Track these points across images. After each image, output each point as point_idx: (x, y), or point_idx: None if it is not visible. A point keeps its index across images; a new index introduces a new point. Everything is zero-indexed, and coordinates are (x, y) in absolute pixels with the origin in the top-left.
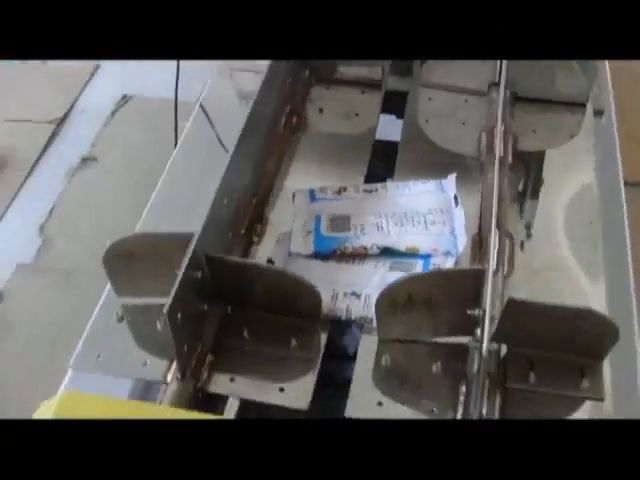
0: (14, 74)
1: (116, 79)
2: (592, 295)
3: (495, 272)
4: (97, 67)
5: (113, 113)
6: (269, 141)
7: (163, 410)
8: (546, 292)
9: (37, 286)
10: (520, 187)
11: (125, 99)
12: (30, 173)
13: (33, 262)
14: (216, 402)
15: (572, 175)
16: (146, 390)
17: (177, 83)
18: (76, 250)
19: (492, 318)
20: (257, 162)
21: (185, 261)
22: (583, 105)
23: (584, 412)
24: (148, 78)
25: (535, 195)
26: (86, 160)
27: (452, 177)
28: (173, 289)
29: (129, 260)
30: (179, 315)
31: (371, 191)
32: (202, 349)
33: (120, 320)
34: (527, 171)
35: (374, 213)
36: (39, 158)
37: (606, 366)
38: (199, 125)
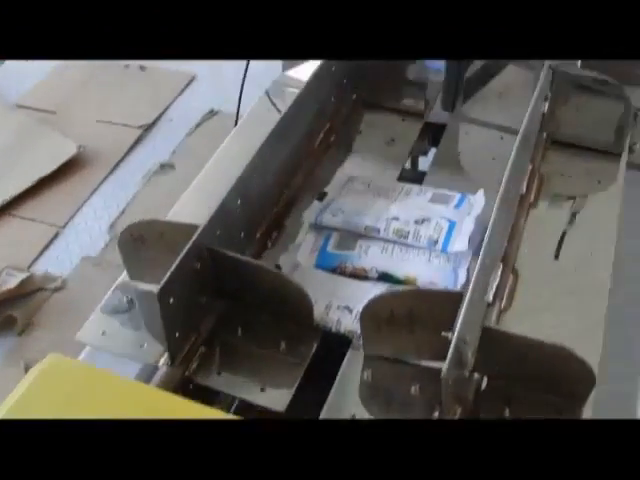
0: (114, 79)
1: (207, 93)
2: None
3: (490, 304)
4: (192, 79)
5: (197, 125)
6: (300, 154)
7: (146, 389)
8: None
9: (97, 278)
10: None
11: (212, 113)
12: (111, 173)
13: (98, 256)
14: (204, 393)
15: (598, 224)
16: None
17: (240, 96)
18: None
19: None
20: (283, 172)
21: (184, 250)
22: (619, 155)
23: None
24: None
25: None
26: (164, 166)
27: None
28: (167, 273)
29: (140, 245)
30: (171, 300)
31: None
32: (196, 340)
33: (130, 302)
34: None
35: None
36: (121, 160)
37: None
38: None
